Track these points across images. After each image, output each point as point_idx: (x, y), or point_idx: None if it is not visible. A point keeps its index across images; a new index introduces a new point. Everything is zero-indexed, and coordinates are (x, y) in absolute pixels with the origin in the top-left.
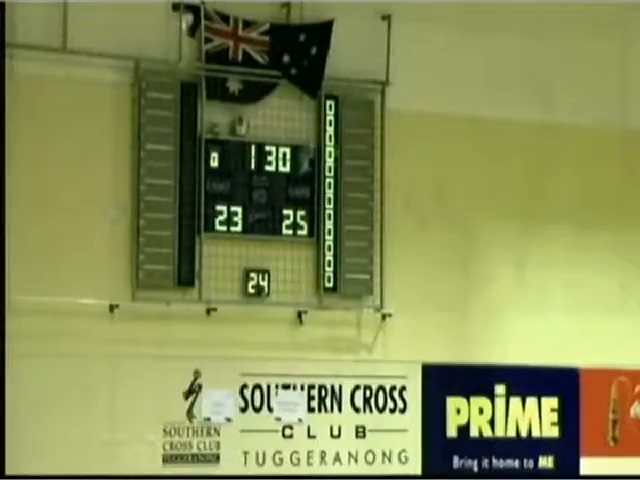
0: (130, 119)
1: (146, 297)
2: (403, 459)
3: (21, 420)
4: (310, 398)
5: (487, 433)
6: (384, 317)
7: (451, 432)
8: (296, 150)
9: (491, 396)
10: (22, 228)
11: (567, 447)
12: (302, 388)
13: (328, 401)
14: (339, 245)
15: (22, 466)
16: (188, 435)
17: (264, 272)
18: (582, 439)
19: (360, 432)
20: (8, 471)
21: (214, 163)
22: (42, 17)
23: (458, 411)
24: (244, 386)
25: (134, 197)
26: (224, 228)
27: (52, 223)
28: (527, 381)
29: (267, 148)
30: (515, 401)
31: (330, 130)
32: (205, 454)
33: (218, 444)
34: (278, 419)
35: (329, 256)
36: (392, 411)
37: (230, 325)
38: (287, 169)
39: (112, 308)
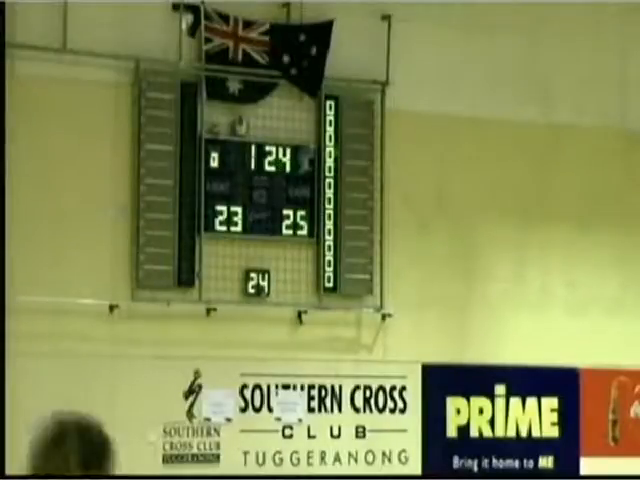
0: (130, 119)
1: (146, 297)
2: (403, 459)
3: (21, 420)
4: (310, 398)
5: (487, 433)
6: (384, 317)
7: (451, 432)
8: (296, 150)
9: (491, 396)
10: (22, 228)
11: (567, 447)
12: (302, 388)
13: (328, 401)
14: (339, 245)
15: (22, 466)
16: (188, 435)
17: (264, 272)
18: (582, 439)
19: (360, 432)
20: (8, 471)
21: (214, 163)
22: (42, 17)
23: (458, 411)
24: (244, 386)
25: (134, 197)
26: (224, 228)
27: (52, 223)
28: (527, 381)
29: (267, 148)
30: (515, 401)
31: (330, 130)
32: (205, 454)
33: (218, 444)
34: (278, 419)
35: (329, 256)
36: (392, 411)
37: (230, 325)
38: (287, 169)
39: (112, 308)
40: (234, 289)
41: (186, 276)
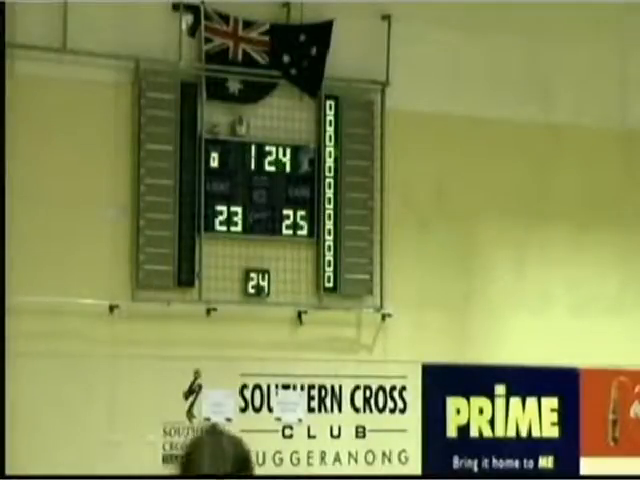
0: (130, 119)
1: (146, 297)
2: (403, 459)
3: (21, 420)
4: (310, 398)
5: (487, 433)
6: (384, 317)
7: (451, 432)
8: (296, 150)
9: (491, 396)
10: (22, 228)
11: (567, 447)
12: (302, 388)
13: (328, 401)
14: (339, 245)
15: (22, 466)
16: (188, 435)
17: (264, 272)
18: (582, 439)
19: (360, 432)
20: (8, 471)
21: (214, 163)
22: (42, 17)
23: (458, 411)
24: (244, 386)
25: (134, 197)
26: (224, 228)
27: (52, 223)
28: (527, 381)
29: (267, 148)
30: (515, 401)
31: (330, 130)
32: None
33: None
34: (278, 419)
35: (329, 256)
36: (392, 411)
37: (230, 325)
38: (287, 169)
39: (112, 308)
40: (234, 289)
41: (186, 276)
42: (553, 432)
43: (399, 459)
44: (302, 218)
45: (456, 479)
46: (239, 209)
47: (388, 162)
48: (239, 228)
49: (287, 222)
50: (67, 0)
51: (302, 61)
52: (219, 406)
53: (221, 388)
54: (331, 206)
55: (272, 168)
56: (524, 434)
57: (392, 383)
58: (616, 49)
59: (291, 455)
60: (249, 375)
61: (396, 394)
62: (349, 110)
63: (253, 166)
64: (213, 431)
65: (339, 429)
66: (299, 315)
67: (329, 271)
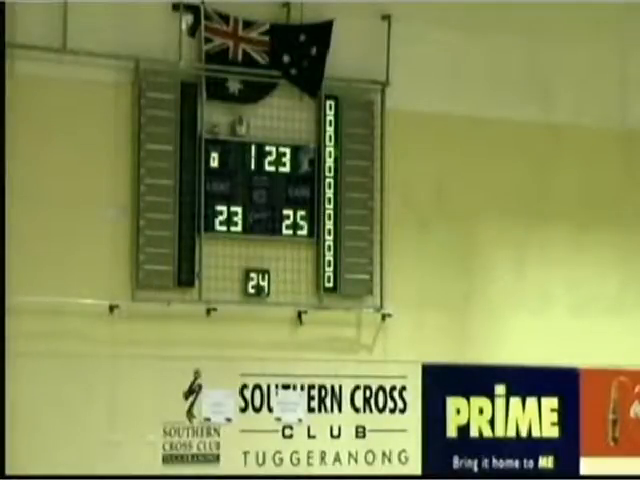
0: (130, 119)
1: (146, 297)
2: (403, 459)
3: (21, 420)
4: (310, 398)
5: (487, 433)
6: (384, 317)
7: (451, 432)
8: (296, 150)
9: (491, 396)
10: (22, 228)
11: (567, 447)
12: (302, 388)
13: (328, 401)
14: (339, 245)
15: (22, 466)
16: (188, 435)
17: (264, 272)
18: (582, 439)
19: (360, 432)
20: (8, 471)
21: (214, 163)
22: (42, 17)
23: (458, 411)
24: (244, 386)
25: (134, 197)
26: (224, 228)
27: (52, 223)
28: (527, 381)
29: (267, 148)
30: (515, 401)
31: (330, 130)
32: (205, 454)
33: (218, 444)
34: (278, 419)
35: (329, 256)
36: (392, 411)
37: (230, 325)
38: (287, 169)
39: (112, 308)
40: (234, 289)
41: (186, 276)
42: (553, 432)
43: (399, 459)
44: (302, 218)
45: (456, 479)
46: (239, 209)
47: (388, 162)
48: (239, 228)
49: (287, 222)
50: (67, 0)
51: (302, 61)
52: (219, 406)
53: (221, 388)
54: (331, 206)
55: (272, 168)
56: (524, 434)
57: (392, 383)
58: (616, 49)
59: (291, 455)
60: (249, 375)
61: (396, 394)
62: (349, 110)
63: (253, 166)
64: None
65: (339, 429)
66: (299, 315)
67: (329, 271)
